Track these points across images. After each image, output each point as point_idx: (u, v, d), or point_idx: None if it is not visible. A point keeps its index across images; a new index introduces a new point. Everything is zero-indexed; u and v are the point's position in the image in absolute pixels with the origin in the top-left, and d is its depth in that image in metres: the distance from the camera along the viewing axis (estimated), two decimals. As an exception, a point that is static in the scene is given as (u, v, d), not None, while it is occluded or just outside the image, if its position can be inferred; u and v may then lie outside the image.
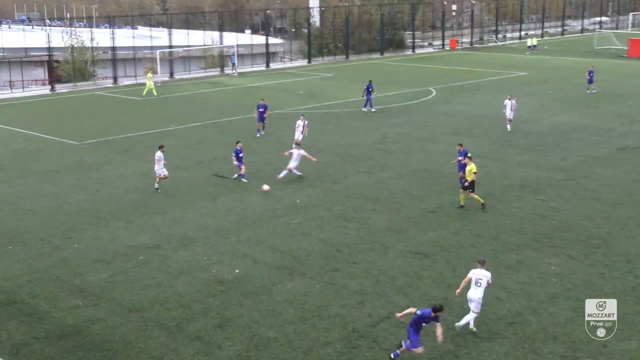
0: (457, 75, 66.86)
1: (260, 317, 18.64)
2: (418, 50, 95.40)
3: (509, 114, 40.99)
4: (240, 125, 44.43)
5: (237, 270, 21.72)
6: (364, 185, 30.56)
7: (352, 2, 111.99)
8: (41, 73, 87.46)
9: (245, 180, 31.37)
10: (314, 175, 32.31)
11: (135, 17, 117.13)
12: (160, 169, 30.36)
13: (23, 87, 70.50)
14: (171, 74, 74.36)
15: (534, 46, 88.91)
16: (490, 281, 17.78)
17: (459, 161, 28.77)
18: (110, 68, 73.00)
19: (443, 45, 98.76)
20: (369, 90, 47.91)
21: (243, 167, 31.72)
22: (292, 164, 31.48)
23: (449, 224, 25.65)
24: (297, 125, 37.54)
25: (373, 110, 47.74)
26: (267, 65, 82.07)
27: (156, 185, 30.34)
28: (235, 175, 31.93)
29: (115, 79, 70.33)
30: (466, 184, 27.33)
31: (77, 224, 26.43)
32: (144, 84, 63.22)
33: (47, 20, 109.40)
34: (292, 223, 26.02)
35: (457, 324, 17.76)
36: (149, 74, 62.76)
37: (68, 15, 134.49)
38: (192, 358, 16.70)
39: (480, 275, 17.68)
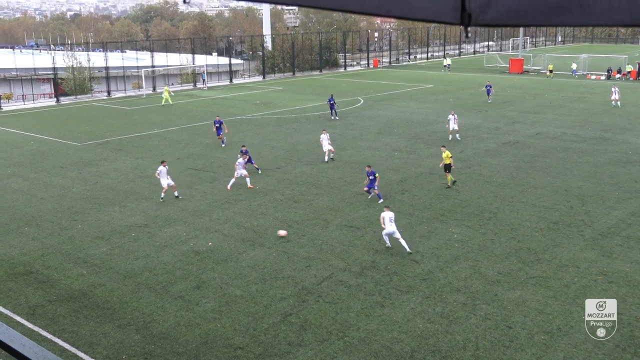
0: (379, 88, 67.18)
1: (229, 279, 18.52)
2: (349, 68, 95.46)
3: (452, 126, 37.45)
4: (210, 128, 43.92)
5: (210, 243, 21.54)
6: (308, 175, 30.56)
7: (296, 31, 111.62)
8: (48, 88, 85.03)
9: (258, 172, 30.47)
10: (270, 167, 32.17)
11: (124, 43, 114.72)
12: (166, 181, 26.68)
13: (33, 100, 68.49)
14: (154, 88, 73.05)
15: (449, 65, 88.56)
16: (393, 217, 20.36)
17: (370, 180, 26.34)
18: (105, 84, 71.41)
19: (368, 64, 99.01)
20: (331, 103, 46.72)
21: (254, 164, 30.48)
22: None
23: (374, 203, 25.80)
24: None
25: (337, 118, 46.64)
26: (231, 81, 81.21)
27: (162, 195, 26.70)
28: (259, 171, 30.61)
29: (108, 92, 68.80)
30: (441, 165, 28.09)
31: (81, 208, 25.87)
32: (132, 96, 61.85)
33: (52, 46, 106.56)
34: (253, 205, 25.89)
35: (408, 251, 19.96)
36: (165, 87, 61.88)
37: (69, 42, 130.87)
38: (176, 313, 16.52)
39: (390, 214, 20.24)
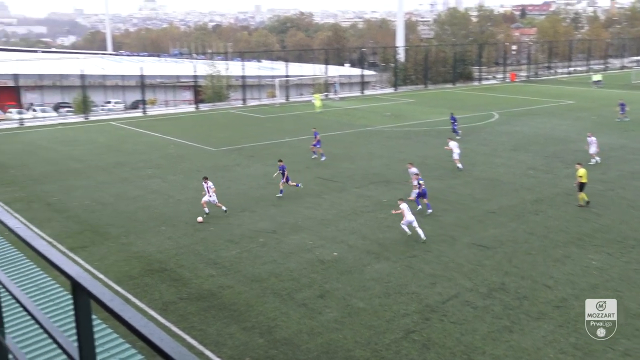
0: (515, 103, 65.02)
1: (353, 290, 18.55)
2: (483, 82, 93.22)
3: (593, 150, 34.90)
4: (340, 139, 44.47)
5: (335, 253, 21.71)
6: (437, 189, 30.05)
7: (430, 42, 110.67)
8: (188, 95, 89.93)
9: (280, 195, 29.03)
10: (397, 179, 31.99)
11: (260, 53, 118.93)
12: (211, 197, 26.19)
13: (175, 105, 72.68)
14: (287, 97, 75.13)
15: (599, 81, 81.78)
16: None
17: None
18: (241, 92, 74.38)
19: (504, 78, 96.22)
20: (453, 122, 45.05)
21: (287, 183, 28.98)
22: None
23: (506, 223, 24.93)
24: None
25: (458, 137, 44.70)
26: (362, 92, 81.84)
27: (206, 210, 26.23)
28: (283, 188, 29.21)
29: (244, 100, 71.52)
30: (575, 184, 27.27)
31: (213, 211, 26.96)
32: (266, 105, 64.08)
33: (194, 54, 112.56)
34: (379, 217, 25.83)
35: (423, 238, 22.29)
36: (315, 95, 64.25)
37: (209, 51, 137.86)
38: (299, 320, 16.76)
39: (408, 207, 23.11)
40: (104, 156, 39.77)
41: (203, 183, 26.66)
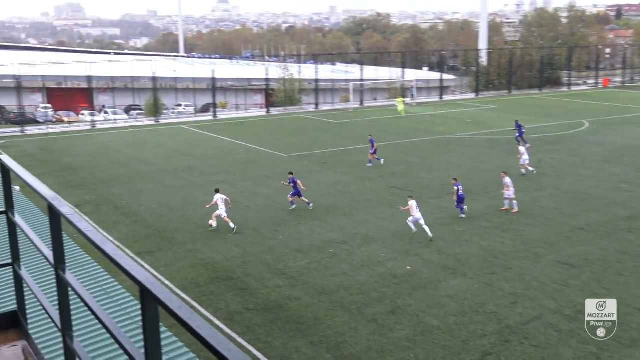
0: (608, 110, 62.90)
1: (427, 307, 18.34)
2: (573, 88, 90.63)
3: None
4: (417, 146, 44.16)
5: (408, 267, 21.54)
6: (520, 202, 29.32)
7: (515, 45, 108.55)
8: (259, 98, 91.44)
9: (293, 207, 28.64)
10: (477, 190, 31.47)
11: (335, 56, 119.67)
12: (221, 211, 25.84)
13: (246, 109, 73.98)
14: (361, 102, 75.23)
15: None
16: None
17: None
18: (313, 96, 74.98)
19: (596, 83, 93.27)
20: (519, 129, 44.60)
21: (299, 197, 28.51)
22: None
23: (595, 240, 24.11)
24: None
25: (528, 145, 43.85)
26: (441, 97, 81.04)
27: (213, 224, 25.88)
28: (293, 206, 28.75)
29: (316, 105, 72.08)
30: None
31: (283, 220, 27.27)
32: (339, 110, 64.35)
33: (266, 57, 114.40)
34: (456, 230, 25.48)
35: (430, 236, 23.92)
36: (398, 99, 65.07)
37: (282, 53, 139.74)
38: (368, 337, 16.70)
39: (415, 203, 24.73)
40: (173, 160, 40.86)
41: (215, 195, 26.21)
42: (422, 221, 24.52)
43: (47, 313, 4.52)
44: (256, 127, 57.04)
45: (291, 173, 29.71)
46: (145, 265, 21.77)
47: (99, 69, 75.43)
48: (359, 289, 19.74)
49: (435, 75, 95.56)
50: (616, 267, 21.18)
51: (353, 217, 27.60)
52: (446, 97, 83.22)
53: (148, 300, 2.82)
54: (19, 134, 54.71)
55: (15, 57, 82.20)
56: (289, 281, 20.49)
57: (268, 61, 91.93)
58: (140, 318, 2.93)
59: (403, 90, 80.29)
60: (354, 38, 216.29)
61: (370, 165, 37.80)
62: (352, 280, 20.45)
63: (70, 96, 74.20)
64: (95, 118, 63.31)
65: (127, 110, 79.51)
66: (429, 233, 24.17)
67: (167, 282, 20.32)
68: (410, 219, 24.79)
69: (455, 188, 27.43)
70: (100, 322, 3.33)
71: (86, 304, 3.54)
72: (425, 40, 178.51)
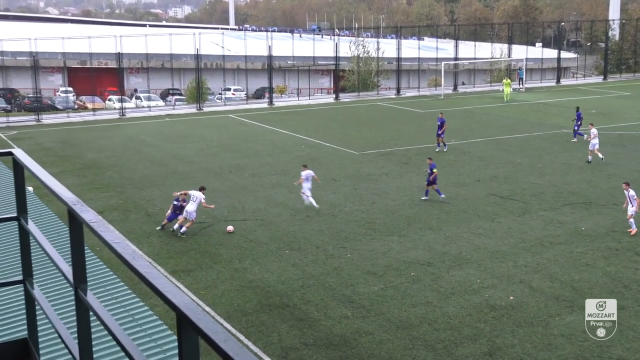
0: None
1: (534, 350, 18.10)
2: None
3: None
4: (526, 143, 43.58)
5: (511, 297, 21.29)
6: None
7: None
8: (327, 82, 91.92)
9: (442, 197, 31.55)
10: (603, 201, 30.82)
11: (422, 28, 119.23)
12: (188, 212, 27.22)
13: (309, 95, 74.57)
14: (455, 87, 74.71)
15: None
16: None
17: None
18: (394, 79, 74.89)
19: None
20: (577, 119, 43.69)
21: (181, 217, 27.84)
22: None
23: None
24: None
25: (575, 140, 43.68)
26: (558, 81, 79.78)
27: (182, 229, 27.23)
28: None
29: (398, 90, 72.04)
30: None
31: (352, 233, 27.36)
32: (426, 96, 64.21)
33: (336, 30, 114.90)
34: (574, 252, 25.02)
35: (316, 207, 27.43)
36: (506, 80, 65.87)
37: (356, 25, 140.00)
38: (459, 384, 16.60)
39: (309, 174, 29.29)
40: (219, 157, 41.54)
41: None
42: (307, 193, 28.21)
43: (64, 342, 4.63)
44: (322, 118, 57.36)
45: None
46: (182, 287, 22.22)
47: (130, 45, 77.29)
48: (448, 324, 19.64)
49: (551, 54, 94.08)
50: None
51: (442, 231, 27.46)
52: (565, 81, 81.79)
53: (186, 330, 2.89)
54: (34, 123, 56.72)
55: (31, 30, 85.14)
56: (358, 311, 20.55)
57: (339, 35, 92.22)
58: (176, 352, 3.02)
59: (509, 73, 79.31)
60: (447, 6, 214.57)
61: (438, 149, 41.44)
62: (439, 312, 20.36)
63: (95, 78, 76.36)
64: (126, 105, 64.97)
65: (164, 95, 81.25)
66: (315, 205, 28.69)
67: (207, 309, 20.70)
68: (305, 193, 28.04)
69: (431, 169, 31.36)
70: (127, 354, 3.42)
71: (110, 332, 3.65)
72: (538, 8, 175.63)
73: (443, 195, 31.42)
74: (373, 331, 19.25)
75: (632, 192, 27.18)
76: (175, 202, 27.91)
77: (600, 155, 37.83)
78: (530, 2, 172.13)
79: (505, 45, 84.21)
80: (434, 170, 31.50)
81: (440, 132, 41.72)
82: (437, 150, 41.51)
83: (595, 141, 38.03)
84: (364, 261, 24.52)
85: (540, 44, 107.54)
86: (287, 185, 34.72)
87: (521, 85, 73.77)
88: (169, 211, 28.11)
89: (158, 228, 28.10)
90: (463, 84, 75.64)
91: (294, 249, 25.78)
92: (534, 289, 21.88)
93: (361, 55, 77.93)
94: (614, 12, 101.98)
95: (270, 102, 65.98)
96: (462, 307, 20.65)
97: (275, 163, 39.74)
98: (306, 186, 30.10)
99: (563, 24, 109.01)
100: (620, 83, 77.02)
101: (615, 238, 26.35)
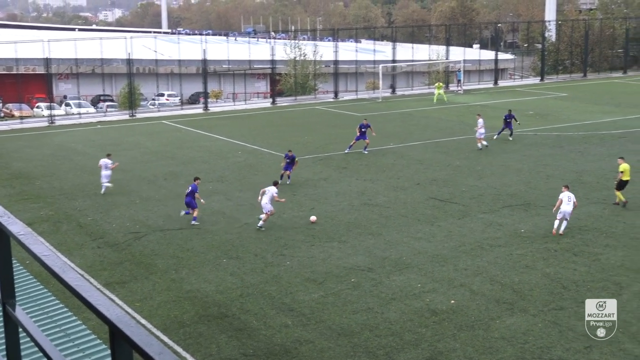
0: None
1: (475, 353, 18.37)
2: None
3: None
4: (464, 146, 44.19)
5: (452, 301, 21.57)
6: (597, 217, 29.31)
7: (592, 15, 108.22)
8: (263, 86, 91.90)
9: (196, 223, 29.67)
10: (542, 203, 31.45)
11: (359, 30, 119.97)
12: (267, 205, 28.73)
13: (245, 100, 74.40)
14: (393, 90, 75.36)
15: None
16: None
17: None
18: (332, 82, 75.19)
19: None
20: (507, 121, 45.20)
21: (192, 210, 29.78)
22: None
23: (695, 266, 24.01)
24: None
25: (510, 138, 45.23)
26: (496, 83, 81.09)
27: (260, 223, 28.84)
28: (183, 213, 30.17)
29: (336, 94, 72.33)
30: (616, 180, 30.98)
31: (291, 240, 27.39)
32: (364, 99, 64.67)
33: (272, 33, 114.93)
34: (514, 254, 25.47)
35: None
36: (437, 84, 67.66)
37: (292, 28, 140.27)
38: (401, 390, 16.77)
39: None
40: (153, 165, 41.20)
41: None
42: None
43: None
44: (258, 123, 57.29)
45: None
46: (116, 300, 21.99)
47: (59, 50, 76.02)
48: (389, 329, 19.81)
49: (488, 55, 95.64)
50: None
51: (382, 236, 27.67)
52: (502, 83, 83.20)
53: (120, 343, 2.88)
54: (-42, 132, 55.39)
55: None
56: (298, 319, 20.60)
57: (275, 38, 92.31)
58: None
59: (447, 74, 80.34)
60: (384, 7, 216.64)
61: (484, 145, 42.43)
62: (380, 318, 20.52)
63: (22, 84, 74.94)
64: (55, 112, 63.93)
65: (95, 101, 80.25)
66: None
67: (143, 321, 20.51)
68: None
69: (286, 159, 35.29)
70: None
71: (41, 349, 3.61)
72: (475, 10, 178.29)
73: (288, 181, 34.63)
74: (314, 339, 19.31)
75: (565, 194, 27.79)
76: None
77: (484, 144, 42.63)
78: (467, 4, 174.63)
79: (443, 47, 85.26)
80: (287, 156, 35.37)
81: (358, 136, 42.55)
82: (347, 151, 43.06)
83: (482, 130, 42.35)
84: (303, 268, 24.57)
85: (478, 46, 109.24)
86: (224, 193, 34.63)
87: (459, 87, 74.77)
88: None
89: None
90: (391, 87, 76.21)
91: (232, 258, 25.71)
92: (474, 292, 22.21)
93: (298, 59, 78.07)
94: (550, 13, 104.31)
95: (206, 108, 65.65)
96: (403, 313, 20.85)
97: (211, 170, 39.57)
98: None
99: (500, 25, 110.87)
100: (557, 84, 78.62)
101: (554, 239, 26.89)
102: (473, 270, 23.98)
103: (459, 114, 57.86)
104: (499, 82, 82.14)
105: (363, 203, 32.21)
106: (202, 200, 30.06)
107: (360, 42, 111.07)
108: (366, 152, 42.50)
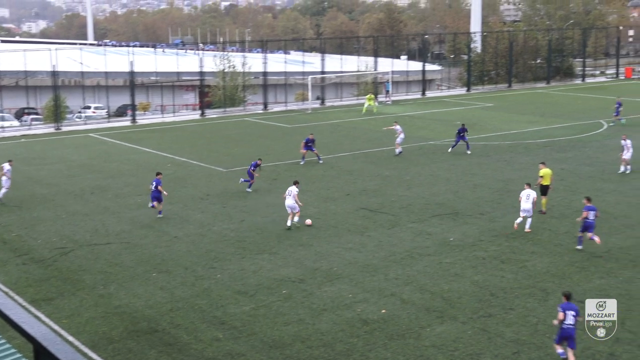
0: (633, 107, 64.35)
1: (406, 362, 18.48)
2: (588, 80, 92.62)
3: (627, 156, 38.80)
4: (392, 156, 44.57)
5: (383, 310, 21.68)
6: (523, 225, 29.85)
7: (517, 27, 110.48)
8: (192, 98, 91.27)
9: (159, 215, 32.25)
10: (470, 211, 31.88)
11: (288, 42, 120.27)
12: (293, 205, 30.51)
13: (174, 112, 73.80)
14: (322, 101, 75.64)
15: None
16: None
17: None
18: (261, 94, 75.12)
19: (617, 74, 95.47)
20: (460, 134, 45.56)
21: (156, 203, 32.37)
22: None
23: (617, 271, 24.59)
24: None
25: (469, 152, 45.30)
26: (423, 93, 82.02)
27: (295, 219, 30.60)
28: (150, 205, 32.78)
29: (265, 105, 72.26)
30: (537, 184, 31.12)
31: (221, 253, 27.23)
32: (294, 111, 64.80)
33: (200, 45, 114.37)
34: (443, 262, 25.75)
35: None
36: (368, 96, 67.85)
37: (221, 40, 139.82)
38: (333, 401, 16.75)
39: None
40: (80, 179, 40.51)
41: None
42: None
43: None
44: (188, 135, 56.87)
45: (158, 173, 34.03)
46: (43, 317, 21.52)
47: (-20, 62, 74.50)
48: (320, 340, 19.80)
49: (416, 66, 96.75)
50: (643, 305, 21.65)
51: (312, 247, 27.70)
52: (430, 93, 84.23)
53: None
54: None
55: None
56: (229, 332, 20.45)
57: (203, 50, 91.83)
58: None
59: (376, 85, 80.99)
60: (313, 19, 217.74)
61: (302, 162, 42.23)
62: (312, 329, 20.50)
63: (-57, 98, 72.96)
64: (-23, 126, 62.42)
65: (19, 114, 78.58)
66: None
67: (70, 338, 20.10)
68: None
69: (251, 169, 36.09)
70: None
71: None
72: (403, 21, 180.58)
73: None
74: (245, 352, 19.20)
75: (525, 192, 28.95)
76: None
77: (398, 150, 44.71)
78: (394, 15, 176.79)
79: (371, 58, 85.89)
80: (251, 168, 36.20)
81: (305, 147, 42.87)
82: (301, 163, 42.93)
83: (403, 136, 44.79)
84: (234, 281, 24.43)
85: (406, 57, 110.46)
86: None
87: (388, 98, 75.39)
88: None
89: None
90: (318, 98, 76.55)
91: (161, 272, 25.42)
92: (405, 301, 22.36)
93: (227, 70, 77.79)
94: (476, 25, 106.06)
95: (133, 120, 64.89)
96: (334, 323, 20.87)
97: (140, 183, 39.08)
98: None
99: (427, 36, 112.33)
100: (483, 94, 79.94)
101: (482, 247, 27.29)
102: (403, 280, 24.16)
103: (388, 125, 58.33)
104: (426, 92, 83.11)
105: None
106: (164, 192, 32.28)
107: (289, 53, 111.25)
108: (321, 162, 43.13)
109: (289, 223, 30.11)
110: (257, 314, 21.69)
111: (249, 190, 36.08)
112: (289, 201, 30.23)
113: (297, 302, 22.52)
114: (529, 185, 29.21)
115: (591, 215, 26.35)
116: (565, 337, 17.82)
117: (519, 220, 28.55)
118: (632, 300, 22.03)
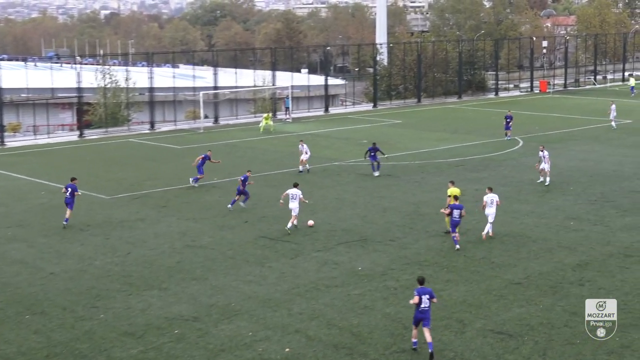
0: (547, 123, 66.35)
1: (314, 405, 18.41)
2: (502, 94, 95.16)
3: (543, 165, 41.60)
4: (293, 179, 44.56)
5: (287, 349, 21.57)
6: (437, 251, 30.23)
7: (425, 38, 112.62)
8: (69, 117, 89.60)
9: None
10: (379, 237, 32.12)
11: (177, 55, 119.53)
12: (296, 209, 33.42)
13: (48, 133, 72.25)
14: (216, 119, 75.36)
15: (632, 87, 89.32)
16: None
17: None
18: (147, 112, 74.32)
19: (532, 87, 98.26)
20: (371, 154, 45.84)
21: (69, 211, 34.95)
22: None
23: (537, 298, 25.11)
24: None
25: (376, 174, 45.42)
26: (326, 110, 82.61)
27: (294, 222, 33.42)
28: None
29: (152, 124, 71.54)
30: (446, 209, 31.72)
31: (105, 290, 26.66)
32: (185, 130, 64.34)
33: (78, 58, 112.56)
34: (352, 294, 25.81)
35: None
36: (266, 115, 68.37)
37: (101, 52, 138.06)
38: None
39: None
40: (-60, 210, 39.21)
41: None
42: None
43: None
44: (65, 158, 55.75)
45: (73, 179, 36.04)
46: None
47: None
48: (218, 385, 19.57)
49: (318, 80, 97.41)
50: (565, 334, 22.09)
51: (207, 281, 27.41)
52: (333, 110, 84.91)
53: None
54: None
55: None
56: (115, 379, 20.02)
57: (81, 63, 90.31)
58: None
59: (274, 101, 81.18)
60: (204, 29, 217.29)
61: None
62: (208, 373, 20.25)
63: None
64: None
65: None
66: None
67: None
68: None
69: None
70: None
71: None
72: (302, 32, 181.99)
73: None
74: (133, 401, 18.80)
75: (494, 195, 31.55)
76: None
77: (301, 169, 46.50)
78: (293, 26, 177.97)
79: (269, 72, 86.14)
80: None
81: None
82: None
83: (309, 153, 46.63)
84: (120, 321, 23.94)
85: (307, 70, 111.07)
86: (25, 239, 33.35)
87: (288, 115, 75.64)
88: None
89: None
90: (207, 117, 76.38)
91: (36, 313, 24.70)
92: (310, 338, 22.30)
93: (108, 86, 76.73)
94: (381, 36, 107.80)
95: (2, 143, 63.24)
96: (233, 365, 20.67)
97: (9, 213, 38.07)
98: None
99: (329, 48, 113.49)
100: (391, 110, 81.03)
101: (393, 276, 27.49)
102: (308, 314, 24.11)
103: (288, 144, 58.41)
104: (329, 109, 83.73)
105: (185, 245, 31.83)
106: (79, 192, 35.61)
107: (178, 67, 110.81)
108: (196, 185, 43.26)
109: (289, 225, 32.82)
110: (146, 357, 21.29)
111: (243, 204, 37.69)
112: (294, 204, 32.95)
113: (191, 342, 22.21)
114: (491, 190, 31.99)
115: (456, 213, 30.02)
116: (421, 318, 20.78)
117: (486, 231, 31.09)
118: (553, 330, 22.52)
